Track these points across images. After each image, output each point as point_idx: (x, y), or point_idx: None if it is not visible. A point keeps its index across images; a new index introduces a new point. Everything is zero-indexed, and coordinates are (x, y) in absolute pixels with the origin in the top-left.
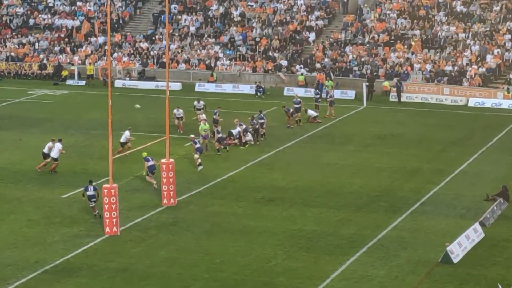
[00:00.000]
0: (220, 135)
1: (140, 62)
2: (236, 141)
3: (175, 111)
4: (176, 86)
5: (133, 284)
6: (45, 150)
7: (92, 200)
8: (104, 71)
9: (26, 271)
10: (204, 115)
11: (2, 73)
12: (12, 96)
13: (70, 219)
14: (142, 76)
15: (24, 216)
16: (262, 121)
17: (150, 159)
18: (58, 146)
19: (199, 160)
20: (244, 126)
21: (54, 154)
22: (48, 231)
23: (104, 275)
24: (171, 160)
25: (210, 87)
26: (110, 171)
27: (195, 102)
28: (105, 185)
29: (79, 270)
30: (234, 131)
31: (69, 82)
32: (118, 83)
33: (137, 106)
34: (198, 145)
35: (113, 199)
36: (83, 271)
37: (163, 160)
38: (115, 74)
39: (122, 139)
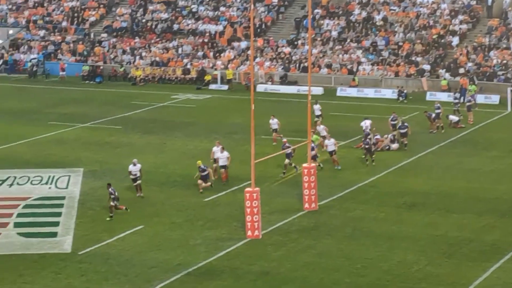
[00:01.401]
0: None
1: (282, 67)
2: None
3: (270, 120)
4: (318, 90)
5: None
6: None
7: (115, 200)
8: (246, 76)
9: (169, 273)
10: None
11: (146, 78)
12: (156, 100)
13: (212, 222)
14: (284, 80)
15: (167, 219)
16: (405, 130)
17: (204, 167)
18: (226, 154)
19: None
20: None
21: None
22: (190, 234)
23: (246, 278)
24: (313, 164)
25: (352, 92)
26: (252, 175)
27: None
28: (247, 189)
29: (222, 273)
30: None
31: (212, 86)
32: (260, 88)
33: None
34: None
35: (255, 203)
36: (225, 274)
37: (304, 165)
38: (257, 79)
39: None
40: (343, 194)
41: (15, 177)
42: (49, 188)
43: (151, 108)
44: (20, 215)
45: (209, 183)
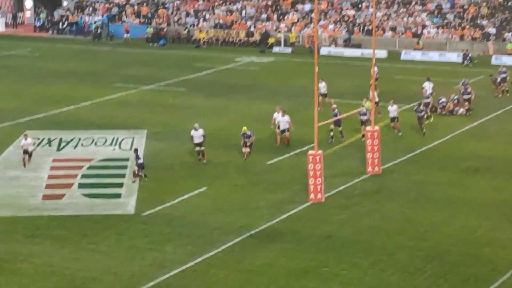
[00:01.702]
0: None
1: (346, 30)
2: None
3: (318, 84)
4: (381, 54)
5: (337, 251)
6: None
7: (141, 168)
8: (310, 39)
9: (232, 235)
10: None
11: (210, 40)
12: (219, 63)
13: (275, 185)
14: (348, 43)
15: (230, 181)
16: (469, 96)
17: (250, 133)
18: (286, 118)
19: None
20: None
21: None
22: (253, 196)
23: (308, 241)
24: (376, 127)
25: (416, 55)
26: (315, 138)
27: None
28: (310, 152)
29: (284, 236)
30: (440, 100)
31: (275, 49)
32: (324, 51)
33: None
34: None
35: (318, 166)
36: (287, 237)
37: (368, 128)
38: (321, 42)
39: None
40: (406, 158)
41: (79, 139)
42: (113, 149)
43: (214, 70)
44: (84, 176)
45: (248, 150)
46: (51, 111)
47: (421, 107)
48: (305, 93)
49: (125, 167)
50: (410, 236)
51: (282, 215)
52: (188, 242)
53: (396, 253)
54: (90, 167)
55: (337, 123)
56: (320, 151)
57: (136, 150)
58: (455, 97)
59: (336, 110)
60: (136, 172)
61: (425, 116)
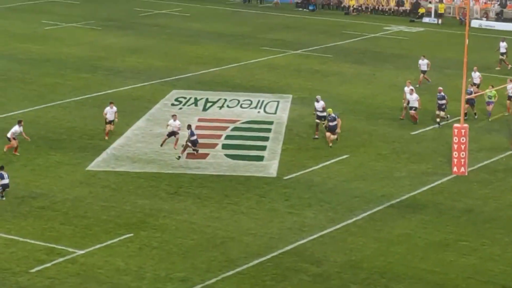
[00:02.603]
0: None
1: (498, 3)
2: None
3: (420, 61)
4: None
5: (477, 225)
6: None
7: (194, 145)
8: (461, 10)
9: (372, 204)
10: None
11: (360, 8)
12: (368, 30)
13: (418, 156)
14: (500, 17)
15: (373, 150)
16: None
17: (335, 115)
18: (415, 96)
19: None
20: None
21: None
22: (396, 166)
23: (449, 214)
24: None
25: None
26: (462, 111)
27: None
28: (455, 125)
29: (425, 208)
30: None
31: (425, 19)
32: (475, 23)
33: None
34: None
35: (462, 139)
36: (428, 209)
37: None
38: (472, 14)
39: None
40: None
41: (225, 100)
42: (258, 112)
43: (363, 38)
44: (228, 137)
45: (335, 136)
46: (198, 71)
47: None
48: (453, 65)
49: (269, 130)
50: None
51: (423, 187)
52: (328, 208)
53: None
54: (234, 129)
55: (441, 108)
56: (465, 125)
57: (189, 126)
58: None
59: (441, 93)
60: (186, 146)
61: None
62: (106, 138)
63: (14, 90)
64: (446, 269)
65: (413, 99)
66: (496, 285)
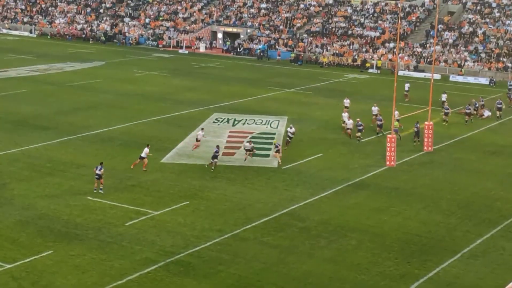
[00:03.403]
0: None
1: (415, 60)
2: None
3: (372, 107)
4: (437, 76)
5: (401, 198)
6: None
7: (214, 159)
8: (392, 64)
9: (336, 184)
10: None
11: (330, 63)
12: (334, 77)
13: (365, 154)
14: (416, 68)
15: (337, 150)
16: (500, 105)
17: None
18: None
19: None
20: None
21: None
22: (351, 161)
23: (384, 190)
24: (431, 122)
25: (459, 78)
26: (391, 127)
27: None
28: (388, 136)
29: (369, 186)
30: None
31: (370, 70)
32: (400, 73)
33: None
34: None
35: (392, 145)
36: (371, 187)
37: (426, 122)
38: (399, 67)
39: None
40: (449, 143)
41: (246, 119)
42: (266, 127)
43: (331, 82)
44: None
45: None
46: (229, 102)
47: (468, 106)
48: (387, 99)
49: (273, 138)
50: (448, 191)
51: (368, 174)
52: (309, 186)
53: (439, 201)
54: (251, 137)
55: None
56: (394, 135)
57: (217, 146)
58: (479, 103)
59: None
60: (211, 162)
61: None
62: (193, 150)
63: (115, 113)
64: (382, 225)
65: (350, 122)
66: (412, 235)
